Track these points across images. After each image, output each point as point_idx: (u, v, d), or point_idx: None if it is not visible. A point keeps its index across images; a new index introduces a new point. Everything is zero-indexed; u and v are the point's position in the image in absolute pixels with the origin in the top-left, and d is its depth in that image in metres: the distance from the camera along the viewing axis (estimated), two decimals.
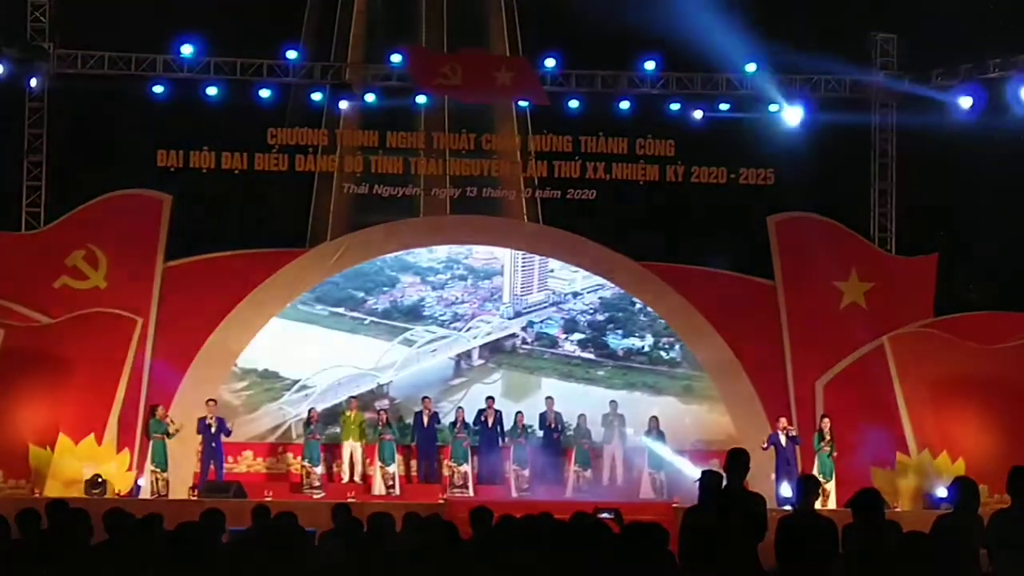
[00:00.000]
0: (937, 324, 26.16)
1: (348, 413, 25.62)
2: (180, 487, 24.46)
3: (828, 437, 24.43)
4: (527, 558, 9.71)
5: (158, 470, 24.17)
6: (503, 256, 27.52)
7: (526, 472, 25.46)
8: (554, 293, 27.78)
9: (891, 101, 27.45)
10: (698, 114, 27.13)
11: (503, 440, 25.72)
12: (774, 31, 25.89)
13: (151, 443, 24.33)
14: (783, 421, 24.73)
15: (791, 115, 26.96)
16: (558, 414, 25.84)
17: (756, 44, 26.52)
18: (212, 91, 26.34)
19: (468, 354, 27.58)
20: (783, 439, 24.48)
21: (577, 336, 27.73)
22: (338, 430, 25.87)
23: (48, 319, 25.00)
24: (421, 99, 26.99)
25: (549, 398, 26.34)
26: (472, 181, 27.03)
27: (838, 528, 10.45)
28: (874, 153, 27.76)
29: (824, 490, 23.48)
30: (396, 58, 26.79)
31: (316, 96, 26.82)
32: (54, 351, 24.45)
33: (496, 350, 27.65)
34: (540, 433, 25.78)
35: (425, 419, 25.65)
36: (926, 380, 25.23)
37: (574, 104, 27.13)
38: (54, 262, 25.43)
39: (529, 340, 27.74)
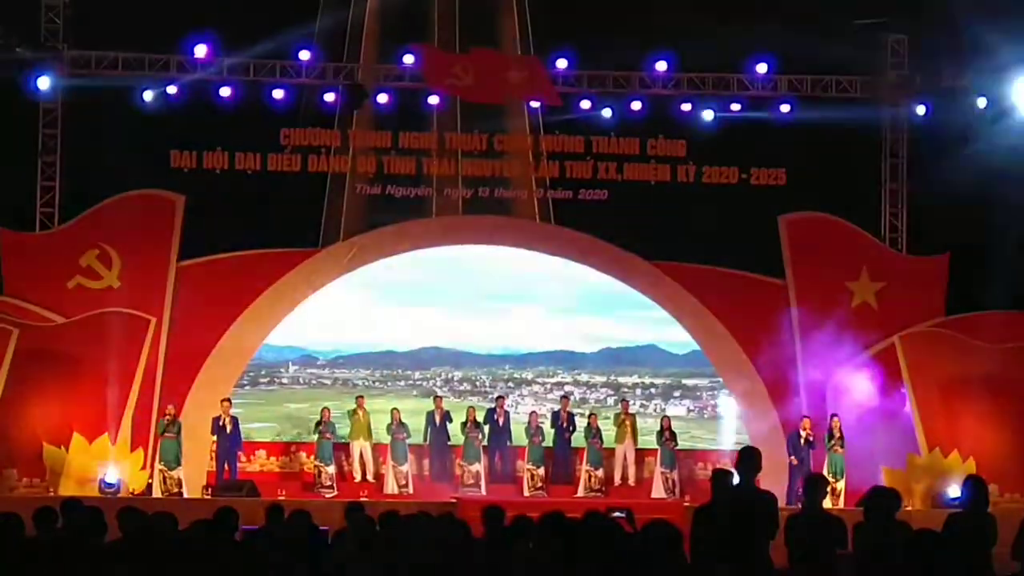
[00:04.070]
0: (948, 323, 26.19)
1: (357, 412, 25.67)
2: (194, 486, 24.55)
3: (837, 436, 24.47)
4: (539, 557, 9.76)
5: (166, 469, 24.24)
6: None
7: (541, 471, 25.52)
8: None
9: (902, 101, 27.45)
10: (708, 115, 27.14)
11: (512, 439, 25.82)
12: (784, 31, 25.90)
13: (160, 442, 24.42)
14: (807, 422, 24.71)
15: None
16: (571, 414, 25.91)
17: (767, 44, 26.60)
18: (225, 92, 26.41)
19: None
20: (802, 441, 24.48)
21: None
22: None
23: (62, 319, 25.11)
24: (433, 99, 27.04)
25: (564, 397, 26.44)
26: (484, 181, 27.09)
27: (847, 526, 10.51)
28: (885, 153, 27.79)
29: (834, 489, 23.55)
30: (408, 58, 26.84)
31: (329, 97, 26.89)
32: (68, 350, 24.57)
33: None
34: (552, 432, 25.84)
35: (437, 418, 25.71)
36: (937, 379, 25.27)
37: (585, 104, 27.16)
38: (68, 262, 25.54)
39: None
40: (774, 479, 21.74)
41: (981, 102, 25.91)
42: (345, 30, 27.42)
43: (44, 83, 25.76)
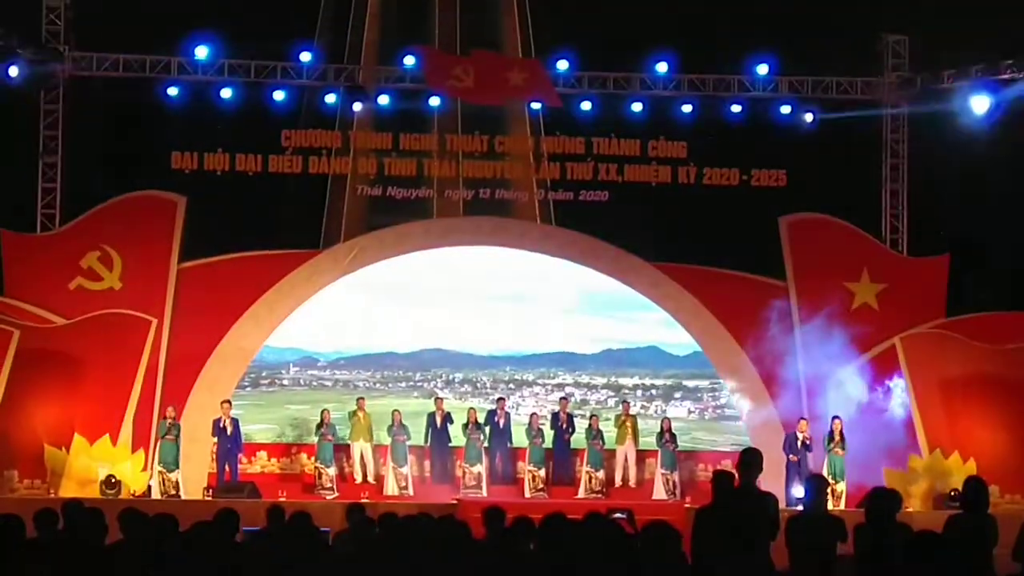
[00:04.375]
0: (948, 325, 26.18)
1: (358, 414, 25.68)
2: (195, 487, 24.56)
3: (837, 438, 24.46)
4: (540, 558, 9.77)
5: (165, 470, 24.23)
6: None
7: (542, 473, 25.53)
8: None
9: (902, 102, 27.45)
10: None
11: (512, 441, 25.86)
12: (786, 32, 25.94)
13: (159, 443, 24.43)
14: (803, 424, 24.71)
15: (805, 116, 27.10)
16: (570, 415, 25.90)
17: (768, 45, 26.62)
18: (226, 93, 26.45)
19: None
20: (798, 443, 24.48)
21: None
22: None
23: (63, 320, 25.11)
24: (434, 101, 27.05)
25: (563, 398, 26.43)
26: (485, 183, 27.11)
27: (848, 527, 10.52)
28: (885, 154, 27.80)
29: (835, 491, 23.53)
30: (409, 60, 26.87)
31: (330, 98, 26.91)
32: (69, 352, 24.57)
33: None
34: (551, 433, 25.83)
35: (438, 420, 25.72)
36: (938, 381, 25.25)
37: (586, 106, 27.18)
38: (69, 263, 25.56)
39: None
40: (774, 480, 21.76)
41: (982, 103, 25.86)
42: (346, 32, 27.46)
43: (45, 84, 25.82)
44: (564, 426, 25.73)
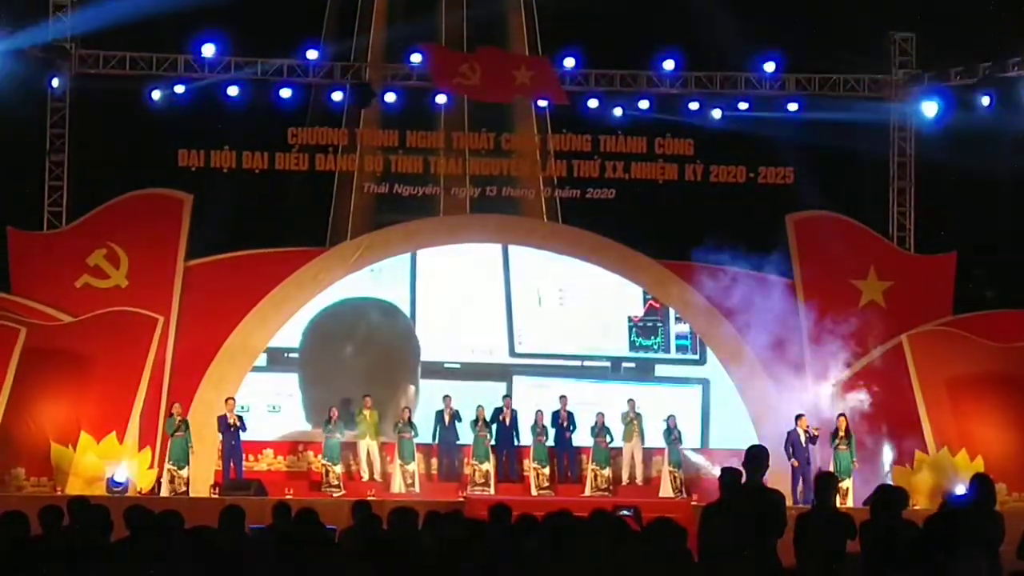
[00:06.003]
0: (955, 323, 26.16)
1: (364, 412, 25.67)
2: (201, 485, 24.56)
3: (843, 435, 24.43)
4: (546, 555, 9.75)
5: (175, 468, 24.24)
6: None
7: (546, 470, 25.54)
8: None
9: (909, 99, 27.39)
10: (716, 113, 27.15)
11: (518, 439, 25.84)
12: (793, 30, 25.91)
13: (169, 441, 24.43)
14: (804, 420, 24.68)
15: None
16: (570, 413, 25.87)
17: (775, 43, 26.59)
18: (233, 91, 26.43)
19: None
20: (802, 438, 24.44)
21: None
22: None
23: (70, 318, 25.12)
24: (441, 99, 27.05)
25: (563, 396, 26.36)
26: (491, 180, 27.11)
27: (856, 525, 10.50)
28: (893, 152, 27.74)
29: (841, 488, 23.49)
30: (416, 58, 26.86)
31: (336, 96, 26.91)
32: (76, 350, 24.58)
33: None
34: (552, 431, 25.81)
35: (446, 417, 25.73)
36: (945, 378, 25.24)
37: (593, 103, 27.16)
38: (76, 261, 25.56)
39: None
40: (778, 477, 21.75)
41: (989, 101, 25.82)
42: (353, 29, 27.45)
43: (52, 82, 25.85)
44: (564, 424, 25.74)
